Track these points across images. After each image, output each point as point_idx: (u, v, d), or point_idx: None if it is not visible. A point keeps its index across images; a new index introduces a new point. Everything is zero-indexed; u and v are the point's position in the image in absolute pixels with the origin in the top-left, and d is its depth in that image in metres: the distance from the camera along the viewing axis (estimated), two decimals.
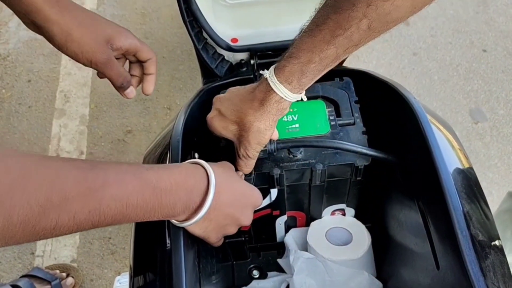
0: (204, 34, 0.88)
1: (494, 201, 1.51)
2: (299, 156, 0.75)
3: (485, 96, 1.73)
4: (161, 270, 0.63)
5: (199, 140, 0.77)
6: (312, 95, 0.79)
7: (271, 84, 0.58)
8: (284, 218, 0.87)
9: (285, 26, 0.89)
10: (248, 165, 0.68)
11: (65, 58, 1.81)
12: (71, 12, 0.60)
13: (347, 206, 0.86)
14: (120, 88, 0.68)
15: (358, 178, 0.77)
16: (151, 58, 0.69)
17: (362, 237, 0.86)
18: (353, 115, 0.77)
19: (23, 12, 0.57)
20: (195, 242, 0.66)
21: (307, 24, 0.56)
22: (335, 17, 0.51)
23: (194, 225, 0.56)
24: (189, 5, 0.84)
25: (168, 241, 0.61)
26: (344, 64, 0.99)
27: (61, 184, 0.38)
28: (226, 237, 0.92)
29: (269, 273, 0.95)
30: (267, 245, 0.95)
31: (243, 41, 0.89)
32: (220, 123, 0.64)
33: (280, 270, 0.92)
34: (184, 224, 0.55)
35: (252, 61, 0.91)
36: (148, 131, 1.63)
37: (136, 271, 0.67)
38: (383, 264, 0.86)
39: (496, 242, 0.62)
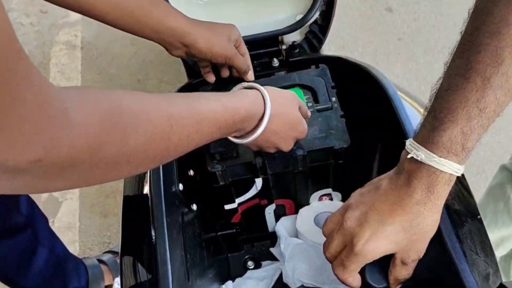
0: None
1: (488, 178, 1.52)
2: None
3: None
4: (148, 264, 0.65)
5: None
6: (289, 84, 0.80)
7: (434, 164, 0.48)
8: (272, 207, 0.89)
9: (258, 19, 0.91)
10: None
11: (53, 71, 1.83)
12: (202, 25, 0.75)
13: (333, 190, 0.87)
14: (244, 73, 0.80)
15: (339, 162, 0.78)
16: (245, 52, 0.82)
17: None
18: (330, 100, 0.79)
19: (177, 39, 0.72)
20: (181, 235, 0.67)
21: (439, 85, 0.51)
22: (479, 57, 0.45)
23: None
24: None
25: (153, 234, 0.63)
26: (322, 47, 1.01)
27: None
28: (218, 230, 0.93)
29: (263, 263, 0.96)
30: (259, 235, 0.96)
31: None
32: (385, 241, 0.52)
33: (274, 259, 0.94)
34: (239, 141, 0.63)
35: None
36: None
37: (125, 266, 0.69)
38: None
39: (474, 206, 0.63)
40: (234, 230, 0.94)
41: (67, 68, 1.83)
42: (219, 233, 0.94)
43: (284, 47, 0.94)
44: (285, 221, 0.92)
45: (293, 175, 0.80)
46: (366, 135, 0.78)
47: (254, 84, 0.63)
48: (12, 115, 0.28)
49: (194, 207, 0.76)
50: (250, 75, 0.81)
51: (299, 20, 0.90)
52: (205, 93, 0.58)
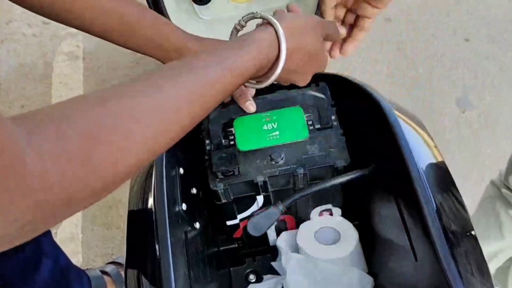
0: None
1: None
2: (280, 162, 0.78)
3: (470, 84, 1.76)
4: (152, 280, 0.66)
5: (183, 155, 0.80)
6: (291, 103, 0.82)
7: None
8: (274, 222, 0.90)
9: None
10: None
11: (56, 81, 1.85)
12: (209, 42, 0.71)
13: (333, 206, 0.89)
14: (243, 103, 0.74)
15: None
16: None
17: (349, 235, 0.89)
18: (330, 119, 0.80)
19: (175, 51, 0.67)
20: (184, 252, 0.69)
21: None
22: None
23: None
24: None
25: (157, 249, 0.64)
26: (328, 64, 1.02)
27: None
28: (220, 245, 0.95)
29: (265, 277, 0.98)
30: (261, 249, 0.98)
31: None
32: None
33: (276, 273, 0.95)
34: (255, 86, 0.60)
35: None
36: None
37: (129, 281, 0.70)
38: (372, 258, 0.89)
39: (472, 232, 0.65)
40: (236, 245, 0.95)
41: (69, 79, 1.85)
42: (221, 248, 0.95)
43: None
44: (286, 235, 0.94)
45: (294, 192, 0.82)
46: (365, 153, 0.80)
47: (267, 16, 0.55)
48: None
49: (197, 225, 0.77)
50: (249, 105, 0.74)
51: None
52: (202, 57, 0.48)
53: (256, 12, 0.58)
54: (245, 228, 0.90)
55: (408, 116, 0.78)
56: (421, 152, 0.73)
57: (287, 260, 0.88)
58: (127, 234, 0.76)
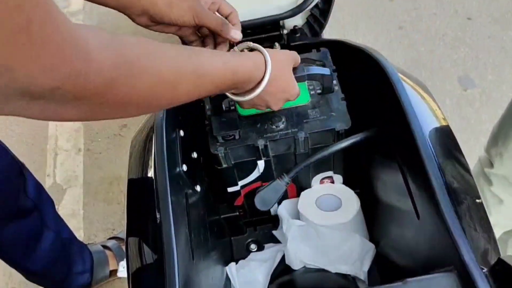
0: None
1: None
2: (281, 126, 0.78)
3: (472, 63, 1.75)
4: (153, 244, 0.66)
5: (183, 118, 0.79)
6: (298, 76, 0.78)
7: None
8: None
9: (260, 4, 0.91)
10: None
11: None
12: None
13: (335, 173, 0.89)
14: (222, 31, 0.71)
15: None
16: (232, 11, 0.74)
17: (351, 201, 0.88)
18: (331, 83, 0.79)
19: (136, 2, 0.67)
20: (185, 215, 0.69)
21: None
22: None
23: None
24: None
25: (158, 215, 0.64)
26: (323, 36, 1.02)
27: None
28: (220, 213, 0.95)
29: (266, 245, 0.98)
30: (262, 218, 0.98)
31: None
32: None
33: (277, 242, 0.95)
34: (236, 98, 0.65)
35: None
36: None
37: (130, 247, 0.70)
38: (374, 226, 0.89)
39: (471, 184, 0.64)
40: (237, 213, 0.95)
41: None
42: (222, 216, 0.95)
43: (285, 31, 0.95)
44: (287, 203, 0.94)
45: (295, 157, 0.81)
46: (367, 117, 0.79)
47: (258, 46, 0.64)
48: (31, 35, 0.30)
49: (198, 188, 0.77)
50: (235, 33, 0.72)
51: (300, 4, 0.90)
52: (209, 50, 0.59)
53: (250, 42, 0.68)
54: (246, 195, 0.89)
55: (411, 79, 0.77)
56: (425, 114, 0.72)
57: (288, 227, 0.87)
58: (127, 201, 0.75)
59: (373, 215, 0.88)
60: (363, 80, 0.81)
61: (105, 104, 0.40)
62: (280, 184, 0.80)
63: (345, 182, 0.92)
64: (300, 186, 0.91)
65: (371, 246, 0.85)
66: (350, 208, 0.87)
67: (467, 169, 0.69)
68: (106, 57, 0.38)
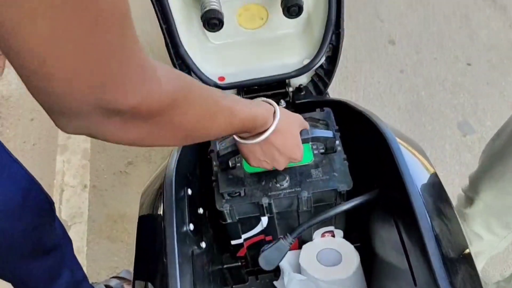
0: (193, 75, 0.94)
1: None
2: (285, 184, 0.81)
3: (471, 108, 1.79)
4: None
5: (192, 177, 0.83)
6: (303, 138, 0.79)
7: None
8: (279, 238, 0.92)
9: (267, 63, 0.96)
10: None
11: None
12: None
13: (336, 228, 0.91)
14: None
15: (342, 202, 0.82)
16: None
17: (351, 256, 0.91)
18: (334, 144, 0.83)
19: None
20: (190, 270, 0.71)
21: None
22: None
23: (247, 146, 0.70)
24: (177, 49, 0.91)
25: (165, 269, 0.67)
26: (332, 85, 1.05)
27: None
28: (223, 263, 0.97)
29: None
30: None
31: (230, 78, 0.96)
32: None
33: None
34: (242, 141, 0.69)
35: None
36: (148, 161, 1.69)
37: None
38: (373, 282, 0.91)
39: (466, 251, 0.67)
40: (240, 263, 0.98)
41: None
42: (225, 266, 0.97)
43: (291, 89, 0.99)
44: (289, 255, 0.96)
45: (298, 214, 0.84)
46: (367, 178, 0.82)
47: (271, 100, 0.70)
48: (122, 67, 0.38)
49: (203, 245, 0.80)
50: None
51: (306, 64, 0.94)
52: (238, 97, 0.65)
53: (264, 98, 0.71)
54: (248, 247, 0.92)
55: (408, 143, 0.80)
56: (422, 178, 0.75)
57: (289, 280, 0.90)
58: (136, 249, 0.78)
59: (373, 270, 0.91)
60: (363, 141, 0.85)
61: (162, 126, 0.46)
62: (284, 244, 0.82)
63: (345, 237, 0.95)
64: (302, 239, 0.94)
65: None
66: (350, 263, 0.90)
67: (459, 229, 0.72)
68: (170, 83, 0.44)
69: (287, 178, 0.81)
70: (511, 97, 1.82)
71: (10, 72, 1.96)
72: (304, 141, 0.76)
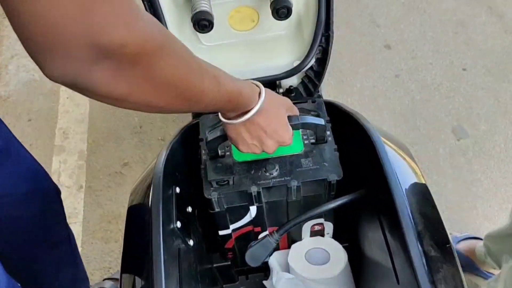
0: None
1: (479, 214, 1.57)
2: (274, 173, 0.80)
3: (466, 113, 1.80)
4: None
5: (181, 176, 0.84)
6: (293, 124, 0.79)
7: None
8: (265, 233, 0.91)
9: (258, 64, 0.97)
10: None
11: (63, 97, 1.90)
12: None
13: (325, 220, 0.91)
14: None
15: (332, 193, 0.82)
16: None
17: (339, 256, 0.92)
18: (325, 134, 0.82)
19: None
20: (177, 269, 0.72)
21: None
22: None
23: (233, 127, 0.70)
24: None
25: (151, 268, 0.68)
26: (328, 88, 1.07)
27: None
28: (213, 262, 0.98)
29: None
30: (254, 268, 1.01)
31: None
32: None
33: None
34: (228, 121, 0.69)
35: None
36: (144, 162, 1.70)
37: None
38: (360, 281, 0.92)
39: (448, 249, 0.68)
40: (229, 263, 0.98)
41: (76, 95, 1.89)
42: (214, 265, 0.98)
43: (281, 90, 1.00)
44: (278, 255, 0.97)
45: (287, 205, 0.84)
46: (353, 177, 0.83)
47: (256, 82, 0.70)
48: (114, 6, 0.39)
49: (191, 242, 0.80)
50: None
51: (296, 66, 0.95)
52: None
53: (251, 80, 0.71)
54: (236, 238, 0.92)
55: (394, 143, 0.81)
56: (406, 178, 0.76)
57: (278, 280, 0.91)
58: (124, 244, 0.79)
59: (361, 269, 0.92)
60: (351, 142, 0.86)
61: (151, 78, 0.46)
62: (270, 241, 0.83)
63: (335, 234, 0.95)
64: (292, 238, 0.95)
65: None
66: (338, 263, 0.91)
67: (442, 227, 0.72)
68: (155, 27, 0.45)
69: (277, 167, 0.81)
70: (505, 103, 1.83)
71: (8, 73, 1.98)
72: (294, 127, 0.75)
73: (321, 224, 0.93)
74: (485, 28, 2.08)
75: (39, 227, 0.98)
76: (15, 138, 0.91)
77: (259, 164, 0.81)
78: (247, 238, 0.91)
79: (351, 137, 0.86)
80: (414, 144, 1.72)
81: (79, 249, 1.48)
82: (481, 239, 1.42)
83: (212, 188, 0.80)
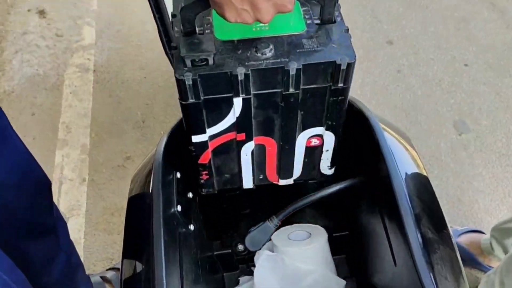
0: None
1: (480, 208, 1.57)
2: (268, 54, 0.62)
3: (468, 108, 1.80)
4: (146, 283, 0.70)
5: (181, 160, 0.84)
6: None
7: None
8: (251, 145, 0.74)
9: None
10: None
11: (66, 92, 1.92)
12: None
13: (327, 129, 0.74)
14: None
15: (340, 85, 0.67)
16: None
17: (319, 234, 0.92)
18: (333, 13, 0.66)
19: None
20: (177, 254, 0.73)
21: None
22: None
23: None
24: (169, 39, 0.93)
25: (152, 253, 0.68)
26: None
27: None
28: (214, 250, 0.99)
29: (240, 279, 1.01)
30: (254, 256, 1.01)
31: None
32: None
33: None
34: None
35: None
36: (146, 156, 1.71)
37: (125, 284, 0.74)
38: (360, 269, 0.93)
39: (445, 231, 0.69)
40: (230, 250, 0.99)
41: (79, 90, 1.92)
42: (215, 253, 0.99)
43: None
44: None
45: (282, 99, 0.66)
46: (353, 165, 0.84)
47: None
48: None
49: (192, 227, 0.81)
50: None
51: None
52: None
53: None
54: (214, 151, 0.73)
55: (394, 130, 0.82)
56: (405, 164, 0.77)
57: (259, 256, 0.91)
58: (125, 229, 0.80)
59: (359, 258, 0.92)
60: (351, 129, 0.86)
61: None
62: (270, 226, 0.84)
63: (334, 225, 0.96)
64: (282, 144, 0.75)
65: (339, 281, 0.89)
66: (318, 238, 0.91)
67: (441, 218, 0.73)
68: None
69: (271, 46, 0.63)
70: (507, 98, 1.83)
71: (12, 68, 1.99)
72: None
73: (320, 136, 0.74)
74: (487, 24, 2.08)
75: (29, 217, 0.99)
76: (11, 126, 0.91)
77: (249, 44, 0.63)
78: (227, 151, 0.73)
79: (352, 124, 0.87)
80: (415, 139, 1.72)
81: (82, 241, 1.50)
82: (482, 232, 1.43)
83: (185, 68, 0.61)
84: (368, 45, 2.02)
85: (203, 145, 0.71)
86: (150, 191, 0.75)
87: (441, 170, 1.65)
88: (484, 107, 1.81)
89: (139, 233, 0.76)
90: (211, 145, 0.71)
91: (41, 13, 2.22)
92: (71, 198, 1.61)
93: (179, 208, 0.76)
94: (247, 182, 0.81)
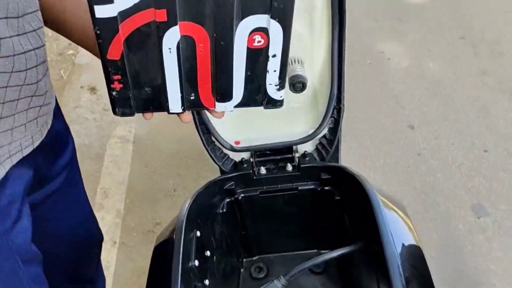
0: (212, 138, 1.10)
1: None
2: None
3: (486, 192, 1.85)
4: None
5: (202, 223, 0.95)
6: None
7: None
8: (175, 34, 0.54)
9: (277, 131, 1.10)
10: None
11: (107, 160, 2.09)
12: None
13: (273, 18, 0.53)
14: None
15: None
16: None
17: None
18: None
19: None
20: None
21: None
22: None
23: None
24: (200, 115, 1.07)
25: None
26: (352, 163, 1.18)
27: None
28: None
29: None
30: None
31: (244, 143, 1.10)
32: None
33: None
34: None
35: (251, 159, 1.11)
36: None
37: None
38: None
39: None
40: None
41: (119, 159, 2.09)
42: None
43: (297, 155, 1.12)
44: None
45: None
46: (355, 233, 0.92)
47: None
48: None
49: (207, 282, 0.90)
50: None
51: (310, 133, 1.08)
52: None
53: None
54: (128, 41, 0.52)
55: (390, 200, 0.90)
56: (400, 234, 0.85)
57: None
58: (148, 281, 0.89)
59: None
60: (357, 201, 0.95)
61: None
62: (277, 285, 0.92)
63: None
64: (215, 36, 0.53)
65: None
66: None
67: (430, 283, 0.79)
68: None
69: None
70: None
71: None
72: None
73: (265, 33, 0.55)
74: (507, 114, 2.17)
75: (75, 267, 1.09)
76: (84, 191, 1.02)
77: None
78: (145, 41, 0.54)
79: (355, 197, 0.96)
80: (433, 220, 1.77)
81: None
82: None
83: None
84: (390, 129, 2.13)
85: (112, 26, 0.52)
86: (172, 244, 0.85)
87: (459, 252, 1.68)
88: (503, 192, 1.85)
89: (160, 282, 0.85)
90: (123, 30, 0.53)
91: (92, 89, 2.46)
92: (102, 259, 1.71)
93: (196, 263, 0.86)
94: (174, 102, 0.61)
